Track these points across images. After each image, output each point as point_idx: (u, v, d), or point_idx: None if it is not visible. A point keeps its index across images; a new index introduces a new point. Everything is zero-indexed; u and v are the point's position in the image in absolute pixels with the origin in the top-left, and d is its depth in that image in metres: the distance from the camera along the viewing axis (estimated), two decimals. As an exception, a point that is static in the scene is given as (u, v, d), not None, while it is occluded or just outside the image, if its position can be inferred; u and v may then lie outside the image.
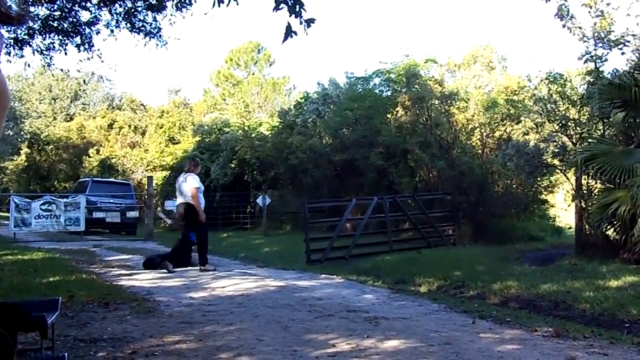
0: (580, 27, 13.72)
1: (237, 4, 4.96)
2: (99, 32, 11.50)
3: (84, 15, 11.35)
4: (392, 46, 67.51)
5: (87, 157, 35.02)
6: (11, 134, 41.25)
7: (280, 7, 4.95)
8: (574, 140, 14.50)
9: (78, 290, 8.00)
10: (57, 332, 5.18)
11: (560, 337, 5.79)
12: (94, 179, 25.80)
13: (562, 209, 18.67)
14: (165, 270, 10.95)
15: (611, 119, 13.13)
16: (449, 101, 19.42)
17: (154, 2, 10.75)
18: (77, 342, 5.46)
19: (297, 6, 4.94)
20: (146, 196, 20.91)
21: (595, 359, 5.07)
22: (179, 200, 11.18)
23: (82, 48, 11.36)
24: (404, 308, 7.40)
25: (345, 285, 9.54)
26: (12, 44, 10.99)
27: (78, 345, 5.36)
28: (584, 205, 13.74)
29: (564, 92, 14.88)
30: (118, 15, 11.23)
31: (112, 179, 28.34)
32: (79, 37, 11.27)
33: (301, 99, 27.84)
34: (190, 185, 10.94)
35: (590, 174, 13.28)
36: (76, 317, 6.49)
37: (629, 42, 13.54)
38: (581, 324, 6.71)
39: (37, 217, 18.15)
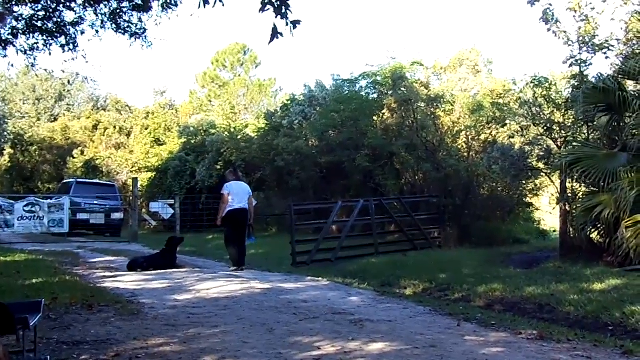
0: (565, 31, 13.81)
1: (223, 5, 4.94)
2: (83, 33, 11.40)
3: (69, 16, 11.25)
4: (378, 49, 67.51)
5: (72, 158, 34.74)
6: (-6, 134, 40.84)
7: (266, 8, 4.92)
8: (558, 143, 14.58)
9: (61, 292, 7.95)
10: (40, 334, 5.14)
11: (545, 339, 5.82)
12: (78, 180, 25.66)
13: (547, 212, 18.76)
14: (149, 272, 10.97)
15: (595, 123, 13.22)
16: (435, 104, 19.45)
17: (139, 2, 10.69)
18: (59, 344, 5.42)
19: (283, 7, 4.92)
20: (131, 198, 20.80)
21: (579, 362, 5.09)
22: (240, 204, 11.89)
23: (66, 48, 11.26)
24: (389, 311, 7.40)
25: (331, 288, 9.53)
26: (-5, 44, 10.90)
27: (61, 347, 5.32)
28: (568, 209, 13.82)
29: (549, 95, 14.96)
30: (103, 16, 11.14)
31: (96, 181, 28.17)
32: (63, 37, 11.17)
33: (287, 100, 27.79)
34: (251, 192, 12.35)
35: (575, 177, 13.36)
36: (59, 319, 6.44)
37: (613, 46, 13.66)
38: (565, 326, 6.76)
39: (20, 219, 18.02)
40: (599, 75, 13.25)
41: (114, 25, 11.21)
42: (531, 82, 15.19)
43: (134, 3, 10.80)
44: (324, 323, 6.50)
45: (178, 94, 72.52)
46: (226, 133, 27.08)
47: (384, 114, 20.51)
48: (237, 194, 11.97)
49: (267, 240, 20.10)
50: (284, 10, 4.93)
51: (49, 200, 19.29)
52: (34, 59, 11.56)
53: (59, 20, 11.12)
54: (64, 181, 27.81)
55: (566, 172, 13.31)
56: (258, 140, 25.26)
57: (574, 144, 13.73)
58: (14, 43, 11.06)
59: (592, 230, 12.46)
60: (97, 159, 33.78)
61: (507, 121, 17.64)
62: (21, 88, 50.31)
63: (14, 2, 10.38)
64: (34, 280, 9.04)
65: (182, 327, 6.22)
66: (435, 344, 5.59)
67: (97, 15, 11.15)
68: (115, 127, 38.01)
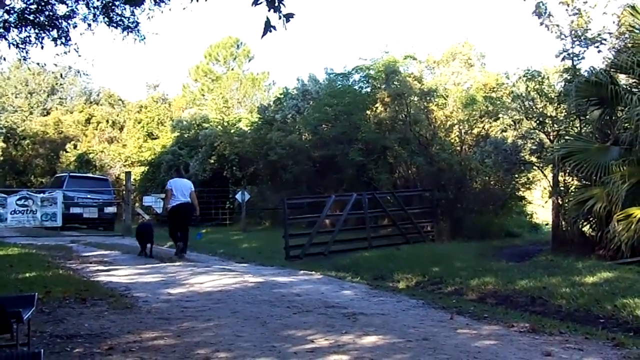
0: (557, 25, 13.84)
1: (216, -2, 4.92)
2: (76, 26, 11.32)
3: (61, 9, 11.17)
4: (371, 42, 67.62)
5: (64, 152, 34.63)
6: (-14, 128, 40.61)
7: (259, 1, 4.92)
8: (551, 137, 14.63)
9: (55, 286, 7.95)
10: (33, 328, 5.14)
11: (537, 332, 5.85)
12: (71, 174, 25.54)
13: (540, 206, 18.82)
14: (142, 266, 10.98)
15: (588, 117, 13.27)
16: (428, 98, 19.45)
17: (132, -5, 10.64)
18: (53, 338, 5.42)
19: (276, 1, 4.91)
20: (124, 192, 20.76)
21: (571, 354, 5.12)
22: (182, 199, 13.00)
23: (58, 42, 11.19)
24: (382, 304, 7.43)
25: (324, 281, 9.56)
26: (-14, 37, 10.83)
27: (54, 341, 5.32)
28: (560, 202, 13.87)
29: (541, 89, 14.99)
30: (95, 9, 11.07)
31: (89, 174, 28.09)
32: (55, 30, 11.09)
33: (280, 94, 27.75)
34: (193, 188, 13.49)
35: (567, 171, 13.41)
36: (52, 313, 6.44)
37: (605, 40, 13.69)
38: (557, 319, 6.79)
39: (13, 213, 17.94)
40: (592, 68, 13.28)
41: (106, 19, 11.14)
42: (524, 76, 15.22)
43: (126, -4, 10.75)
44: (317, 316, 6.52)
45: (171, 87, 72.68)
46: (219, 127, 27.04)
47: (377, 107, 20.51)
48: (179, 190, 13.09)
49: (260, 234, 20.12)
50: (277, 4, 4.93)
51: (41, 194, 19.21)
52: (26, 52, 11.49)
53: (51, 13, 11.05)
54: (57, 175, 27.68)
55: (558, 166, 13.36)
56: (251, 134, 25.25)
57: (567, 137, 13.78)
58: (6, 36, 10.99)
59: (584, 224, 12.53)
60: (90, 153, 33.67)
61: (500, 115, 17.67)
62: (13, 82, 50.04)
63: (5, -5, 10.31)
64: (27, 274, 9.02)
65: (175, 320, 6.23)
66: (427, 336, 5.62)
67: (89, 9, 11.09)
68: (108, 121, 37.89)
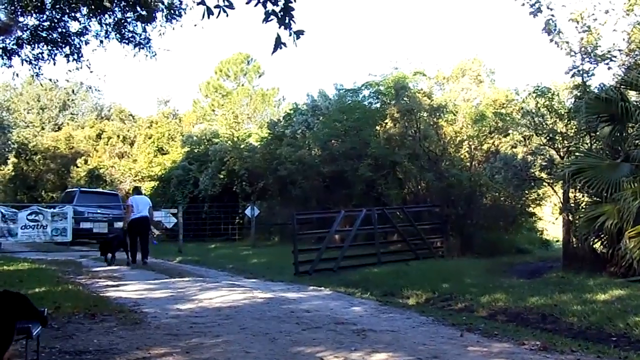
0: (567, 42, 13.81)
1: (227, 15, 4.96)
2: (88, 43, 11.44)
3: (73, 26, 11.30)
4: (381, 59, 67.80)
5: (75, 167, 34.80)
6: (-1, 143, 40.87)
7: (269, 18, 4.96)
8: (561, 153, 14.58)
9: (64, 301, 7.96)
10: (43, 343, 5.14)
11: (548, 350, 5.81)
12: (82, 189, 25.69)
13: (550, 222, 18.69)
14: (152, 281, 10.99)
15: (598, 133, 13.21)
16: (437, 114, 19.44)
17: (143, 13, 10.73)
18: (62, 354, 5.42)
19: (287, 18, 4.95)
20: (134, 207, 20.80)
21: (583, 373, 5.08)
22: (144, 213, 15.09)
23: (71, 58, 11.30)
24: (392, 321, 7.39)
25: (333, 297, 9.53)
26: (0, 54, 10.94)
27: (63, 357, 5.33)
28: (571, 219, 13.79)
29: (551, 105, 14.96)
30: (107, 26, 11.19)
31: (99, 190, 28.21)
32: (68, 47, 11.21)
33: (290, 110, 27.82)
34: (151, 204, 15.86)
35: (578, 187, 13.33)
36: (62, 328, 6.45)
37: (615, 57, 13.66)
38: (568, 337, 6.74)
39: (23, 228, 18.05)
40: (602, 85, 13.26)
41: (118, 36, 11.26)
42: (534, 92, 15.19)
43: (138, 13, 10.84)
44: (327, 333, 6.50)
45: (181, 103, 73.28)
46: (229, 142, 27.11)
47: (386, 123, 20.51)
48: (139, 205, 15.09)
49: (269, 250, 20.09)
50: (287, 21, 4.97)
51: (52, 209, 19.33)
52: (39, 68, 11.61)
53: (63, 30, 11.17)
54: (68, 190, 27.83)
55: (569, 182, 13.29)
56: (261, 150, 25.28)
57: (577, 154, 13.72)
58: (19, 53, 11.11)
59: (595, 241, 12.43)
60: (100, 168, 33.83)
61: (510, 131, 17.64)
62: (25, 97, 50.51)
63: (19, 13, 10.44)
64: (36, 290, 9.04)
65: (184, 336, 6.22)
66: (438, 354, 5.59)
67: (101, 26, 11.21)
68: (118, 136, 38.08)
